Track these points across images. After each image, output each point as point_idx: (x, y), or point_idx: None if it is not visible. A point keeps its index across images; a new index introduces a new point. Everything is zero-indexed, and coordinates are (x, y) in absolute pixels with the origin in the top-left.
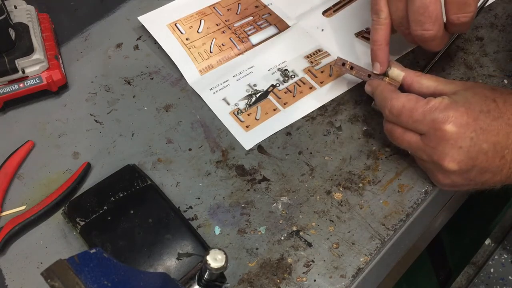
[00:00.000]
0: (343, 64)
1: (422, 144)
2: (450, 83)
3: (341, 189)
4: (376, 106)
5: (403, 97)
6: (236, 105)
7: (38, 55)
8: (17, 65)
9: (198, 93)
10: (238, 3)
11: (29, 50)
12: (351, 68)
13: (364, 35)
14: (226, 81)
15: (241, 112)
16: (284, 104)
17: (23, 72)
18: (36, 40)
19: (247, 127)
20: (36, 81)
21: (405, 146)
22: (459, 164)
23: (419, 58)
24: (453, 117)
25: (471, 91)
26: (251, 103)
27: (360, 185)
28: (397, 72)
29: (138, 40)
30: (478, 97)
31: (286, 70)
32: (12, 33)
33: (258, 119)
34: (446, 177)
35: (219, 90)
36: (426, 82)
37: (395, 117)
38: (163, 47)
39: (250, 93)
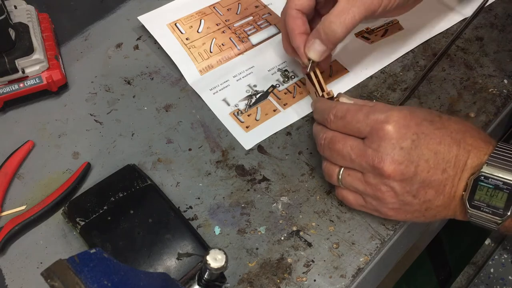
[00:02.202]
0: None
1: (364, 147)
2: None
3: None
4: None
5: (348, 104)
6: (236, 106)
7: (38, 55)
8: (17, 65)
9: (198, 93)
10: (238, 3)
11: (29, 50)
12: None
13: (364, 35)
14: (226, 81)
15: (241, 113)
16: (284, 105)
17: (23, 72)
18: (36, 40)
19: (247, 127)
20: (36, 81)
21: (346, 152)
22: (400, 166)
23: (418, 58)
24: (396, 117)
25: (417, 107)
26: (251, 104)
27: None
28: (347, 100)
29: (138, 40)
30: (423, 110)
31: (286, 70)
32: (12, 33)
33: (258, 120)
34: (389, 188)
35: (219, 90)
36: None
37: (338, 120)
38: (163, 46)
39: (250, 93)
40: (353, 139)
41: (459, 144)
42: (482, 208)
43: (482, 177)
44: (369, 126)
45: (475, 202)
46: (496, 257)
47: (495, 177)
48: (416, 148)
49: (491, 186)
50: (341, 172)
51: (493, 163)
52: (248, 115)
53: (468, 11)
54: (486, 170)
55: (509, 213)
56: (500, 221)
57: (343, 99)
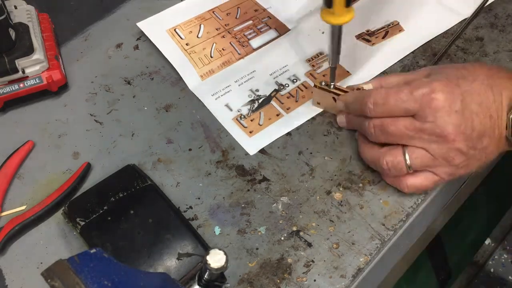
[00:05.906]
0: (326, 85)
1: (419, 124)
2: (417, 72)
3: (341, 189)
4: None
5: (383, 88)
6: (239, 111)
7: (38, 55)
8: (17, 65)
9: (200, 98)
10: (237, 7)
11: (29, 50)
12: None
13: (364, 37)
14: (228, 86)
15: (244, 117)
16: (287, 109)
17: (23, 72)
18: (36, 40)
19: (250, 132)
20: (36, 81)
21: (401, 133)
22: (460, 128)
23: (418, 58)
24: (439, 86)
25: (440, 67)
26: (253, 108)
27: (360, 185)
28: (366, 86)
29: (138, 40)
30: (450, 69)
31: (281, 85)
32: (12, 33)
33: (261, 125)
34: (457, 152)
35: (221, 95)
36: (394, 78)
37: (381, 106)
38: (163, 52)
39: (252, 98)
40: (403, 119)
41: (492, 88)
42: None
43: None
44: (418, 103)
45: None
46: (496, 257)
47: None
48: (467, 107)
49: None
50: (407, 158)
51: None
52: (251, 120)
53: (468, 11)
54: None
55: None
56: None
57: (369, 86)
